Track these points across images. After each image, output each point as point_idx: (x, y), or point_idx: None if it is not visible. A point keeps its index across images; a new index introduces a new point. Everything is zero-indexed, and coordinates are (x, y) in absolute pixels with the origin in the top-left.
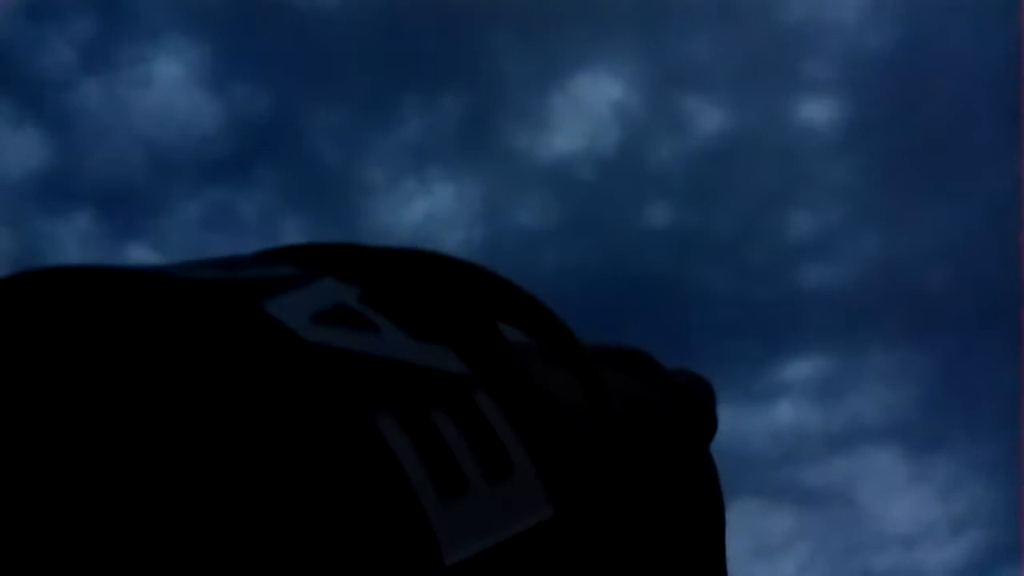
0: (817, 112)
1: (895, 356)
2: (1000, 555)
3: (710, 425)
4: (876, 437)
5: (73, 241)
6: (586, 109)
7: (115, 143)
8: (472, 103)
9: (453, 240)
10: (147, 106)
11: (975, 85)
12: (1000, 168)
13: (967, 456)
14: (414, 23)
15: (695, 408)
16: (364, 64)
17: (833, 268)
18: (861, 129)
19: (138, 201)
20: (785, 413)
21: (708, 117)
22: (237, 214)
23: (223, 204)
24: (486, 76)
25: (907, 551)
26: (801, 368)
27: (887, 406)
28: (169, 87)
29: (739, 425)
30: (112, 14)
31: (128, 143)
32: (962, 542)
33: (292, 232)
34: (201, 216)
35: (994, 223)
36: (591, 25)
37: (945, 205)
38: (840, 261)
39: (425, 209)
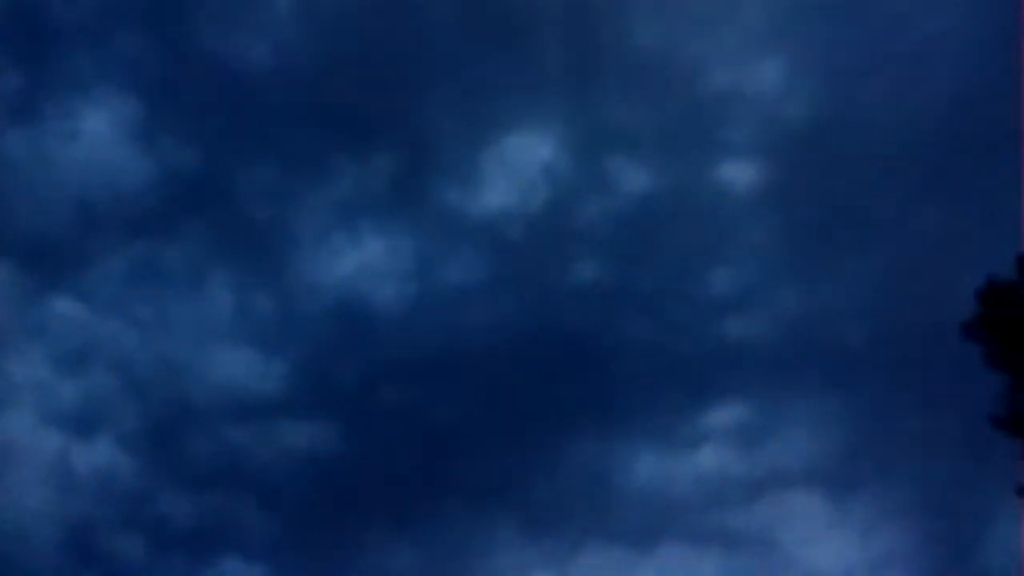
0: (737, 174)
1: (813, 404)
2: None
3: None
4: (797, 481)
5: None
6: (515, 168)
7: (41, 196)
8: (403, 161)
9: (384, 295)
10: (74, 160)
11: (888, 147)
12: (912, 228)
13: (885, 498)
14: (347, 82)
15: None
16: (296, 121)
17: (753, 321)
18: (779, 191)
19: (63, 254)
20: (708, 459)
21: (634, 178)
22: (164, 267)
23: (150, 257)
24: (418, 135)
25: None
26: (723, 416)
27: (807, 452)
28: (97, 141)
29: (664, 471)
30: (39, 67)
31: (54, 196)
32: None
33: (220, 285)
34: (127, 269)
35: (907, 278)
36: (522, 88)
37: (858, 262)
38: (759, 315)
39: (355, 263)
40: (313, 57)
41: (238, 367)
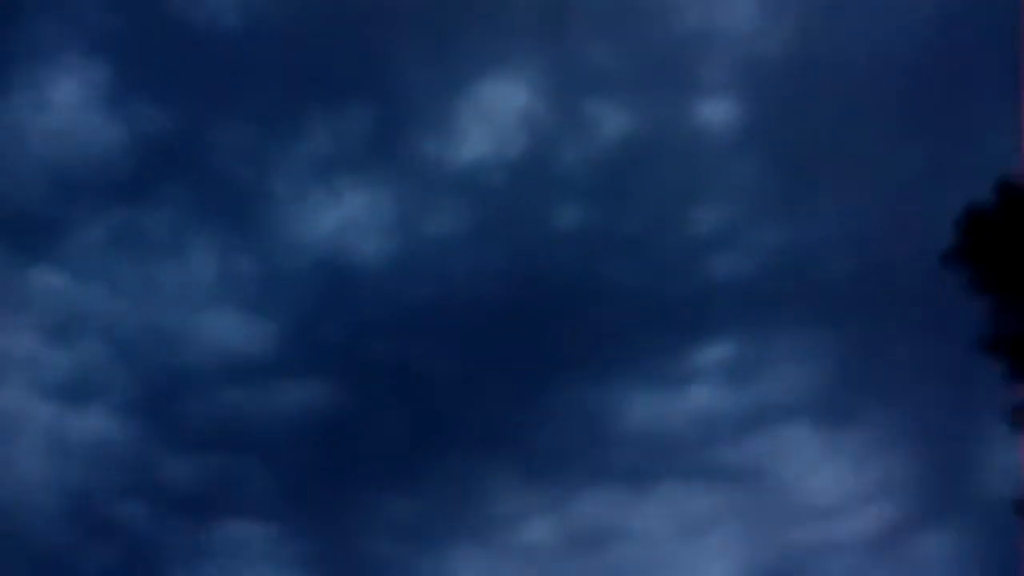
0: (716, 112)
1: (802, 338)
2: (913, 522)
3: None
4: (789, 415)
5: None
6: (492, 116)
7: (14, 167)
8: (379, 114)
9: (367, 249)
10: (46, 129)
11: (868, 80)
12: (895, 159)
13: (877, 427)
14: (318, 38)
15: None
16: (268, 80)
17: (738, 258)
18: (758, 128)
19: (42, 225)
20: (700, 397)
21: (612, 120)
22: (145, 233)
23: (130, 223)
24: (392, 87)
25: (825, 522)
26: (712, 353)
27: (797, 386)
28: (68, 109)
29: (657, 411)
30: (4, 36)
31: (29, 167)
32: (876, 511)
33: (202, 248)
34: (108, 236)
35: (890, 209)
36: (495, 34)
37: (841, 195)
38: (744, 252)
39: (336, 220)
40: (282, 13)
41: (227, 329)
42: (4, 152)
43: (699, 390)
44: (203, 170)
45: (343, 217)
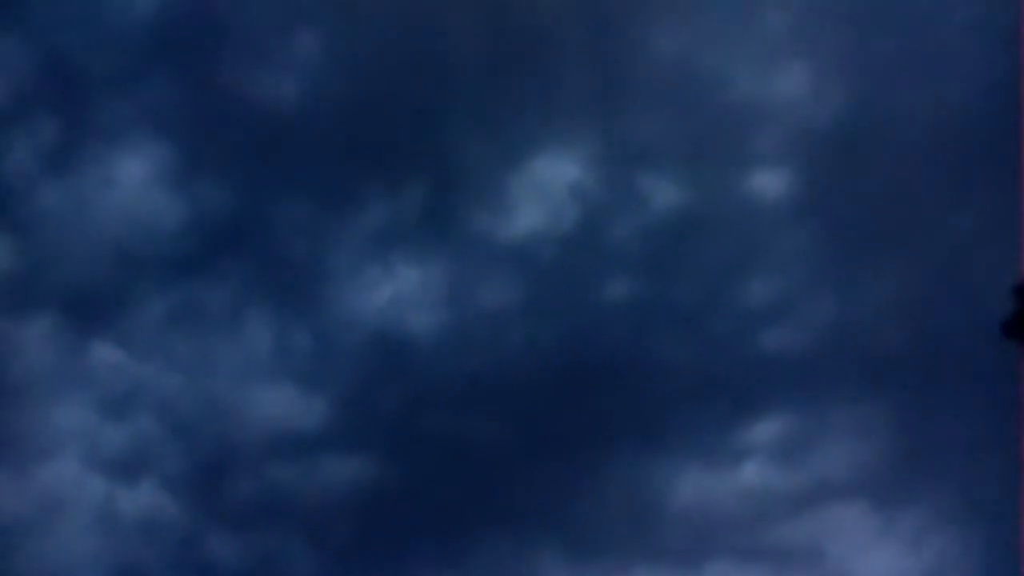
0: (767, 183)
1: (856, 413)
2: None
3: None
4: (842, 492)
5: (37, 341)
6: (544, 190)
7: (79, 245)
8: (432, 189)
9: (419, 323)
10: (110, 207)
11: (919, 148)
12: (948, 229)
13: (933, 506)
14: (374, 114)
15: None
16: (326, 157)
17: (790, 332)
18: (810, 198)
19: (102, 301)
20: (752, 474)
21: (663, 192)
22: (202, 308)
23: (188, 299)
24: (445, 162)
25: None
26: (765, 430)
27: (851, 462)
28: (132, 187)
29: (708, 488)
30: (73, 116)
31: (92, 244)
32: None
33: (258, 323)
34: (166, 312)
35: (944, 280)
36: (546, 108)
37: (894, 266)
38: (796, 325)
39: (390, 294)
40: (339, 92)
41: (279, 404)
42: (70, 229)
43: (750, 467)
44: (260, 246)
45: (396, 291)
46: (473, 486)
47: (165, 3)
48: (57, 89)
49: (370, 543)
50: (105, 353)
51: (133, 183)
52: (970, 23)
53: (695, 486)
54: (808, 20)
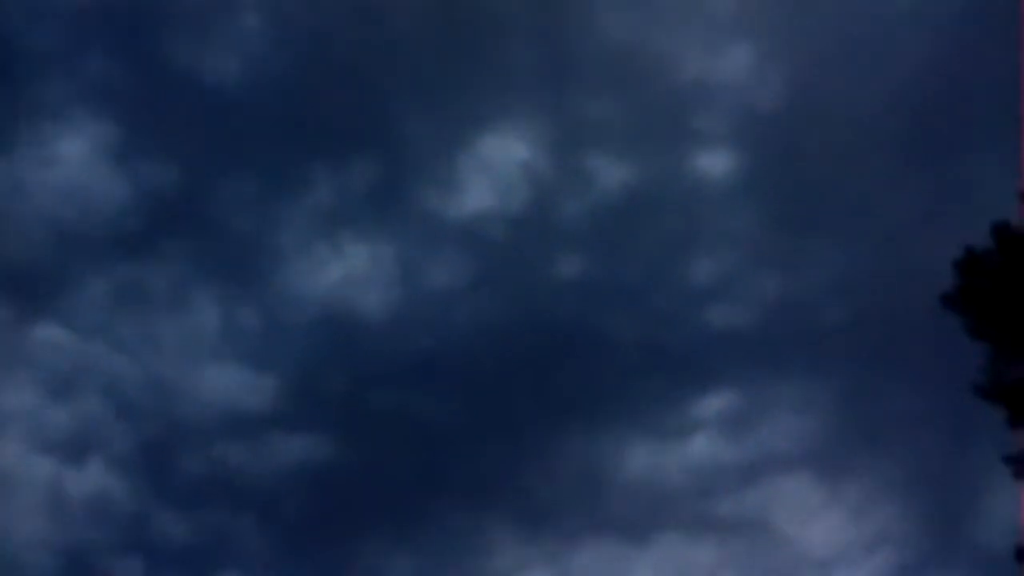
0: (713, 163)
1: (800, 388)
2: (913, 572)
3: None
4: (788, 465)
5: None
6: (493, 169)
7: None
8: (381, 168)
9: (369, 302)
10: (51, 185)
11: (861, 129)
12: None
13: (876, 477)
14: (320, 93)
15: None
16: (271, 134)
17: (736, 309)
18: (754, 178)
19: (45, 280)
20: (699, 448)
21: (611, 172)
22: (148, 287)
23: (133, 278)
24: (394, 141)
25: (824, 572)
26: (711, 404)
27: (796, 436)
28: (73, 165)
29: (656, 462)
30: (11, 94)
31: (33, 223)
32: (876, 561)
33: (205, 302)
34: (110, 291)
35: (885, 257)
36: (495, 89)
37: (837, 244)
38: (742, 302)
39: (339, 273)
40: (285, 69)
41: (228, 383)
42: (9, 208)
43: (698, 441)
44: (206, 224)
45: (345, 270)
46: (424, 463)
47: None
48: None
49: (321, 521)
50: (49, 333)
51: (74, 161)
52: (910, 9)
53: (644, 460)
54: (752, 4)
